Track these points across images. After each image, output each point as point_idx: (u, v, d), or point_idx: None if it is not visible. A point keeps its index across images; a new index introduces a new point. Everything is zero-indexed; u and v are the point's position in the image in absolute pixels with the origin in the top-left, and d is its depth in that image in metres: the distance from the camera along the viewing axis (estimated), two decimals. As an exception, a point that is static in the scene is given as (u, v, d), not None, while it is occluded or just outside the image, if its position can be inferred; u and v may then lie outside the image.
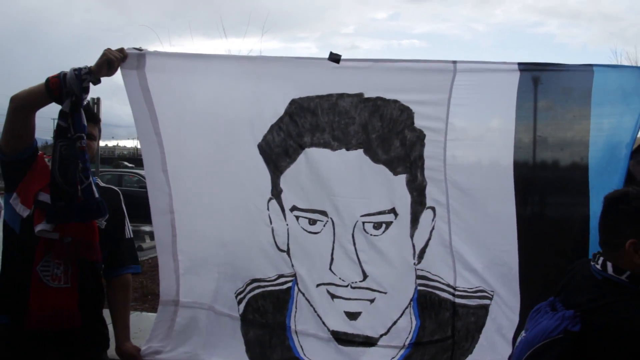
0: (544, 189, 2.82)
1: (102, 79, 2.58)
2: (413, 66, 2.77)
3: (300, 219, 2.74)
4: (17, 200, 2.58)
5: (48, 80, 2.49)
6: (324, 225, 2.70)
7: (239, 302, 2.78)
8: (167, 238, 2.82)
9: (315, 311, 2.70)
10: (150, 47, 2.92)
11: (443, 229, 2.67)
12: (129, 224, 2.98)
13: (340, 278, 2.67)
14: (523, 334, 2.02)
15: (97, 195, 2.55)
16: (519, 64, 2.76)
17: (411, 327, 2.65)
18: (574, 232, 2.69)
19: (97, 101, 12.18)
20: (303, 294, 2.73)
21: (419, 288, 2.67)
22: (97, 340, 2.79)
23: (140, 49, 2.73)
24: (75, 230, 2.55)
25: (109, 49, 2.58)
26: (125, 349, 2.82)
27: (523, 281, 2.62)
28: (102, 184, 2.95)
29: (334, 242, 2.69)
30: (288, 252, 2.76)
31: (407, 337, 2.65)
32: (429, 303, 2.65)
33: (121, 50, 2.62)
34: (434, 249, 2.67)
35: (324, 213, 2.70)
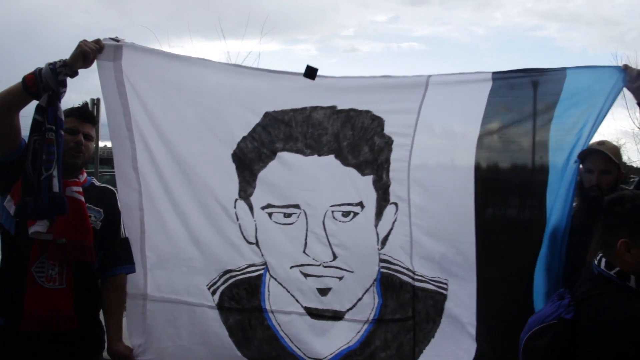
0: (503, 188, 3.02)
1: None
2: (387, 82, 2.95)
3: (274, 214, 2.89)
4: (11, 203, 2.55)
5: (24, 78, 2.45)
6: (298, 217, 2.87)
7: (213, 293, 2.87)
8: (136, 234, 2.85)
9: (288, 291, 2.88)
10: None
11: (404, 221, 2.88)
12: (124, 224, 2.92)
13: (313, 259, 2.86)
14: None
15: (57, 189, 2.44)
16: (493, 73, 2.90)
17: (374, 304, 2.87)
18: (530, 224, 2.91)
19: (97, 102, 12.27)
20: (275, 279, 2.88)
21: (382, 270, 2.88)
22: (93, 342, 2.77)
23: (117, 39, 2.70)
24: (69, 231, 2.54)
25: (84, 41, 2.52)
26: (118, 350, 2.77)
27: (479, 269, 2.79)
28: (98, 184, 2.93)
29: (307, 229, 2.86)
30: (257, 244, 2.90)
31: (371, 313, 2.87)
32: (390, 284, 2.87)
33: (97, 41, 2.58)
34: (396, 237, 2.89)
35: (297, 206, 2.87)
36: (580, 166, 2.91)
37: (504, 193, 3.04)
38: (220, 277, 2.89)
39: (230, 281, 2.88)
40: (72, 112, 2.68)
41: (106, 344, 2.81)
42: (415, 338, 2.84)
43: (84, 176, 2.81)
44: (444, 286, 2.84)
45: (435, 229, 2.87)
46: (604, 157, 2.90)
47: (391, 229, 2.90)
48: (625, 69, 2.81)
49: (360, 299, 2.87)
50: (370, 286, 2.89)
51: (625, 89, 2.83)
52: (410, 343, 2.85)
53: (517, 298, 2.80)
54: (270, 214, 2.89)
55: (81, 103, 2.79)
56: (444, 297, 2.84)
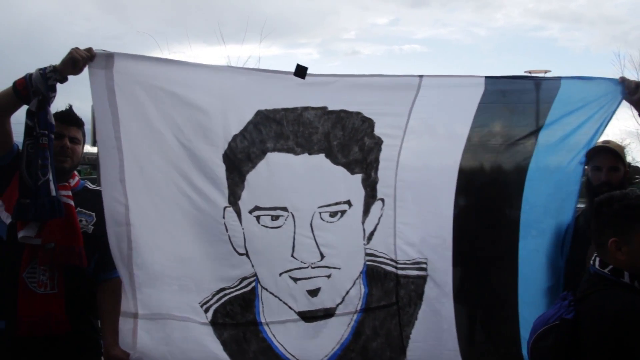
0: (482, 184, 3.17)
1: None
2: (378, 81, 2.97)
3: (261, 217, 2.87)
4: (2, 208, 2.57)
5: (15, 82, 2.48)
6: (285, 220, 2.87)
7: (206, 311, 2.80)
8: (123, 251, 2.69)
9: (281, 300, 2.88)
10: (149, 54, 2.92)
11: (389, 214, 2.99)
12: (110, 240, 2.80)
13: (301, 262, 2.87)
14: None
15: (54, 193, 2.47)
16: (487, 77, 2.95)
17: (360, 294, 2.95)
18: (506, 219, 3.09)
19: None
20: (266, 289, 2.87)
21: (368, 263, 2.98)
22: (87, 347, 2.76)
23: (108, 52, 2.66)
24: (58, 235, 2.53)
25: (76, 48, 2.53)
26: (115, 354, 2.70)
27: (455, 249, 2.97)
28: (92, 187, 2.92)
29: (294, 232, 2.87)
30: (247, 254, 2.85)
31: (358, 303, 2.95)
32: (375, 275, 2.97)
33: (89, 50, 2.57)
34: (381, 231, 2.98)
35: (284, 209, 2.86)
36: (586, 167, 3.01)
37: (482, 188, 3.17)
38: (214, 295, 2.82)
39: (224, 299, 2.83)
40: (57, 116, 2.65)
41: (103, 349, 2.78)
42: (400, 322, 2.96)
43: (74, 180, 2.82)
44: (424, 266, 2.99)
45: (417, 218, 3.00)
46: (611, 154, 2.98)
47: (377, 224, 2.99)
48: (623, 81, 2.89)
49: (348, 292, 2.94)
50: (357, 278, 2.96)
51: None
52: (397, 328, 2.95)
53: (493, 273, 3.08)
54: (258, 217, 2.86)
55: (66, 107, 2.80)
56: (424, 280, 2.99)
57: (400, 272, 2.98)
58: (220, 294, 2.82)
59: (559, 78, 2.98)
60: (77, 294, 2.66)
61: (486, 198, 3.16)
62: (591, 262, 2.18)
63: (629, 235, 2.05)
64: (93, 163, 19.59)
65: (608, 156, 2.98)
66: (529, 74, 3.10)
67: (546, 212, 3.00)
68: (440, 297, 2.98)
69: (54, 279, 2.58)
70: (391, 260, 2.99)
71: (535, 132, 2.99)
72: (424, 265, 2.99)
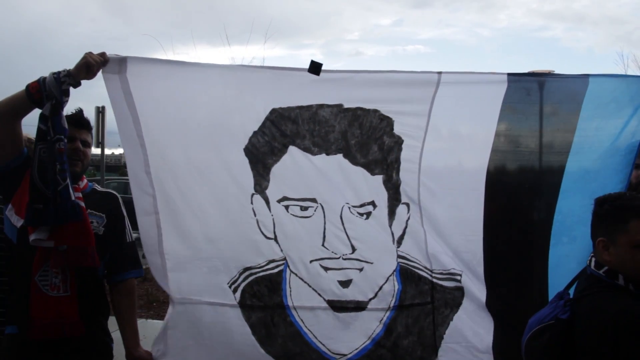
0: (515, 189, 3.00)
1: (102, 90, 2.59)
2: (395, 77, 2.87)
3: (290, 207, 2.87)
4: (12, 212, 2.58)
5: (28, 85, 2.49)
6: (315, 210, 2.86)
7: (234, 291, 2.86)
8: (153, 238, 2.85)
9: (310, 286, 2.86)
10: (154, 56, 2.97)
11: (417, 221, 2.90)
12: (130, 228, 2.95)
13: (332, 252, 2.85)
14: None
15: (73, 197, 2.52)
16: (509, 74, 2.82)
17: (394, 291, 2.89)
18: (537, 226, 2.96)
19: (102, 110, 12.34)
20: (295, 274, 2.87)
21: (401, 264, 2.91)
22: (99, 349, 2.77)
23: (120, 56, 2.73)
24: (70, 237, 2.53)
25: (89, 53, 2.56)
26: (139, 355, 2.80)
27: (487, 267, 2.87)
28: (100, 189, 2.95)
29: (325, 223, 2.85)
30: (275, 239, 2.87)
31: (392, 300, 2.89)
32: (409, 275, 2.91)
33: (102, 54, 2.61)
34: (411, 237, 2.91)
35: (313, 200, 2.86)
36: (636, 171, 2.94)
37: (514, 195, 3.01)
38: (240, 274, 2.87)
39: (250, 278, 2.87)
40: (68, 120, 2.66)
41: (124, 351, 2.81)
42: (434, 321, 2.88)
43: (83, 182, 2.83)
44: (459, 278, 2.89)
45: (444, 229, 2.89)
46: None
47: (405, 227, 2.91)
48: None
49: (381, 288, 2.88)
50: (390, 275, 2.90)
51: None
52: (430, 327, 2.88)
53: (525, 290, 2.92)
54: (287, 207, 2.87)
55: (75, 110, 2.80)
56: (462, 292, 2.89)
57: (435, 280, 2.89)
58: (246, 273, 2.87)
59: (587, 76, 2.82)
60: (89, 296, 2.67)
61: (517, 208, 3.01)
62: (587, 262, 2.19)
63: (615, 236, 2.07)
64: (97, 164, 19.66)
65: None
66: (549, 72, 2.93)
67: (580, 221, 2.80)
68: (478, 310, 2.88)
69: (67, 281, 2.57)
70: (425, 268, 2.90)
71: (565, 136, 2.84)
72: (459, 278, 2.89)
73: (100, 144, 12.66)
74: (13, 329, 2.61)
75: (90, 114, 2.75)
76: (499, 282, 2.91)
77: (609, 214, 2.10)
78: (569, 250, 2.84)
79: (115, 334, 2.87)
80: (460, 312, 2.88)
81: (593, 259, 2.15)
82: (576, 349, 2.03)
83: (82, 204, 2.62)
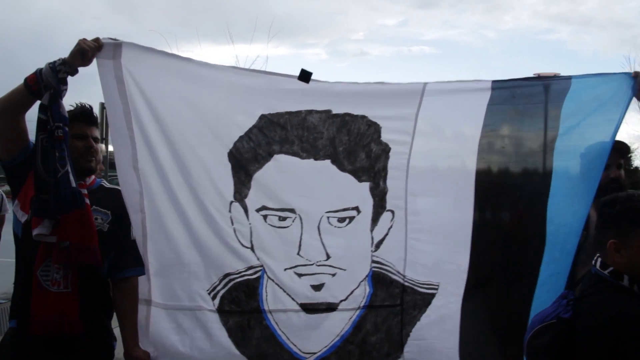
0: (504, 195, 3.05)
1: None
2: (383, 88, 2.97)
3: (268, 217, 2.92)
4: (18, 207, 2.58)
5: (26, 78, 2.50)
6: (293, 221, 2.91)
7: (213, 298, 2.89)
8: (139, 238, 2.82)
9: (285, 291, 2.94)
10: None
11: (400, 228, 2.96)
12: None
13: (307, 259, 2.93)
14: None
15: (74, 184, 2.48)
16: (493, 81, 2.89)
17: (365, 293, 2.98)
18: (529, 233, 2.96)
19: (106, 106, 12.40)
20: (272, 280, 2.93)
21: (374, 269, 2.99)
22: (101, 349, 2.75)
23: (116, 40, 2.68)
24: (73, 234, 2.51)
25: (83, 39, 2.53)
26: (137, 355, 2.76)
27: (470, 275, 2.92)
28: (107, 185, 2.93)
29: (301, 233, 2.91)
30: (252, 248, 2.91)
31: (362, 301, 2.98)
32: (381, 279, 2.99)
33: (96, 40, 2.57)
34: (390, 242, 2.97)
35: (292, 210, 2.91)
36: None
37: (504, 200, 3.06)
38: (221, 280, 2.89)
39: (230, 284, 2.90)
40: (77, 116, 2.68)
41: (123, 349, 2.79)
42: (402, 321, 2.97)
43: (91, 178, 2.82)
44: (435, 286, 2.97)
45: (431, 237, 2.96)
46: (618, 152, 2.93)
47: (386, 234, 2.98)
48: (636, 76, 2.75)
49: (352, 292, 2.96)
50: (362, 280, 2.98)
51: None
52: (398, 326, 2.97)
53: (507, 300, 2.95)
54: (265, 217, 2.91)
55: (80, 104, 2.79)
56: (432, 296, 2.97)
57: (407, 284, 2.98)
58: (226, 279, 2.90)
59: (570, 77, 2.88)
60: (90, 293, 2.65)
61: (507, 217, 3.05)
62: (593, 262, 2.16)
63: (629, 238, 2.04)
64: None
65: (615, 153, 2.91)
66: (538, 76, 3.01)
67: (572, 232, 2.79)
68: (447, 304, 2.96)
69: (68, 277, 2.55)
70: (398, 272, 2.98)
71: (550, 138, 2.88)
72: (435, 286, 2.97)
73: (105, 140, 12.77)
74: (13, 323, 2.62)
75: (94, 110, 2.74)
76: (481, 285, 2.96)
77: (623, 215, 2.06)
78: (560, 268, 2.82)
79: (115, 331, 2.87)
80: (429, 311, 2.97)
81: (599, 260, 2.13)
82: (577, 348, 2.02)
83: (86, 200, 2.61)
